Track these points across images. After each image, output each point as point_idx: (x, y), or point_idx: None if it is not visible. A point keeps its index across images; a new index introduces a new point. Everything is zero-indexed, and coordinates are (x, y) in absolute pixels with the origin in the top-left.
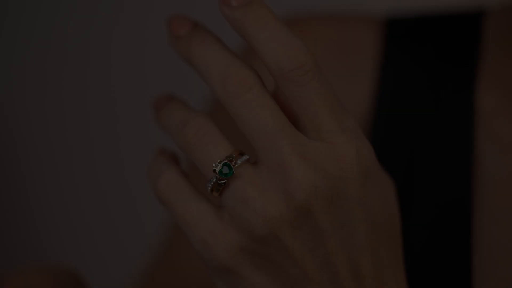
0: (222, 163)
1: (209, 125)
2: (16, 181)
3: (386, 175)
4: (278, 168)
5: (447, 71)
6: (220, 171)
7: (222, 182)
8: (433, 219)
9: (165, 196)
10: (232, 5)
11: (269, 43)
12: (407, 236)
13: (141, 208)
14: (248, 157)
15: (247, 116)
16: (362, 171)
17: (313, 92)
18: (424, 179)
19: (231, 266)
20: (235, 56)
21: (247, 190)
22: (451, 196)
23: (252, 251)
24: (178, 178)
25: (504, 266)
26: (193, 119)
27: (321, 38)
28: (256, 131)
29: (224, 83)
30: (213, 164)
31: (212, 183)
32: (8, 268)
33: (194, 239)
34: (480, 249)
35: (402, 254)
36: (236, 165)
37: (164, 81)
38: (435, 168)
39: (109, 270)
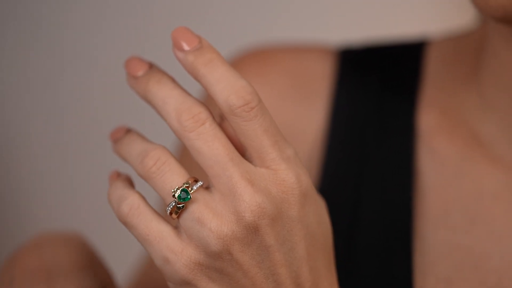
0: (180, 189)
1: (167, 155)
2: (14, 181)
3: (320, 196)
4: (229, 192)
5: (392, 96)
6: (179, 196)
7: (181, 205)
8: (379, 225)
9: (129, 219)
10: (185, 50)
11: (219, 83)
12: (356, 240)
13: None
14: (202, 183)
15: (201, 147)
16: (301, 194)
17: (258, 126)
18: (371, 190)
19: (190, 279)
20: (188, 94)
21: (203, 212)
22: (395, 203)
23: (208, 265)
24: (139, 202)
25: (441, 265)
26: (152, 150)
27: (280, 67)
28: (209, 160)
29: (179, 118)
30: (172, 190)
31: (172, 206)
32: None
33: (157, 257)
34: (420, 250)
35: (334, 264)
36: (192, 191)
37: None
38: (381, 181)
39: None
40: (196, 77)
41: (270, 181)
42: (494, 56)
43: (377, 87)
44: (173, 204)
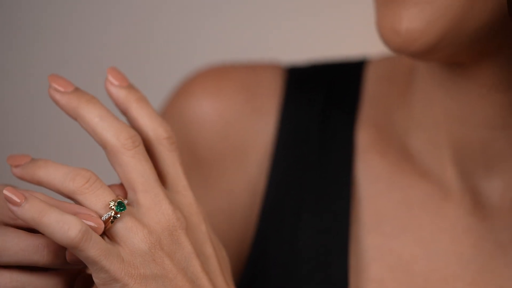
0: (117, 201)
1: (95, 175)
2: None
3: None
4: (155, 206)
5: (335, 112)
6: (117, 207)
7: (117, 216)
8: (320, 229)
9: (82, 244)
10: (114, 85)
11: (149, 117)
12: (298, 242)
13: None
14: (127, 200)
15: (136, 165)
16: (204, 215)
17: (176, 157)
18: (313, 197)
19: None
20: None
21: (134, 223)
22: (334, 209)
23: (136, 267)
24: (86, 227)
25: (373, 267)
26: (82, 170)
27: (234, 83)
28: (141, 177)
29: (119, 135)
30: (110, 202)
31: (108, 216)
32: None
33: (103, 270)
34: (355, 253)
35: (231, 274)
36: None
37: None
38: (322, 190)
39: None
40: (126, 109)
41: (182, 203)
42: (422, 76)
43: (321, 104)
44: (111, 214)
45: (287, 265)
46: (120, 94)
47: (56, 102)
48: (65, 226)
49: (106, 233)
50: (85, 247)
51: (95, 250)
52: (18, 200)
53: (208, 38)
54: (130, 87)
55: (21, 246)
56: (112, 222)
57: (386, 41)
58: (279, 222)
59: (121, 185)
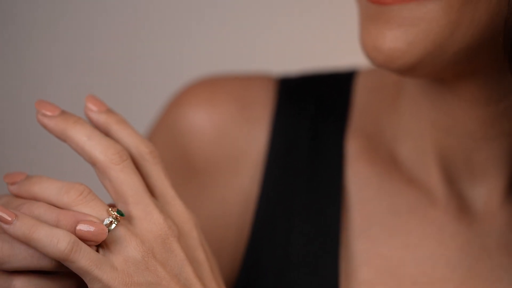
0: (116, 210)
1: (88, 189)
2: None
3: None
4: (146, 216)
5: (325, 122)
6: (118, 211)
7: (111, 226)
8: (311, 233)
9: (72, 255)
10: (94, 111)
11: (130, 137)
12: (290, 247)
13: None
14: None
15: (125, 178)
16: (195, 224)
17: (161, 169)
18: (305, 203)
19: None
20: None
21: (127, 233)
22: (325, 215)
23: (131, 275)
24: (75, 239)
25: (363, 270)
26: (75, 184)
27: (227, 94)
28: (131, 190)
29: (106, 152)
30: (110, 209)
31: (108, 221)
32: None
33: (97, 279)
34: (345, 257)
35: (223, 281)
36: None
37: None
38: (313, 196)
39: None
40: (108, 132)
41: (172, 212)
42: (409, 86)
43: (312, 113)
44: (111, 219)
45: (280, 270)
46: (100, 118)
47: (45, 126)
48: (54, 240)
49: (100, 244)
50: (75, 258)
51: (85, 260)
52: (9, 219)
53: (207, 39)
54: (109, 111)
55: (28, 252)
56: (109, 230)
57: (369, 57)
58: (272, 228)
59: (111, 204)
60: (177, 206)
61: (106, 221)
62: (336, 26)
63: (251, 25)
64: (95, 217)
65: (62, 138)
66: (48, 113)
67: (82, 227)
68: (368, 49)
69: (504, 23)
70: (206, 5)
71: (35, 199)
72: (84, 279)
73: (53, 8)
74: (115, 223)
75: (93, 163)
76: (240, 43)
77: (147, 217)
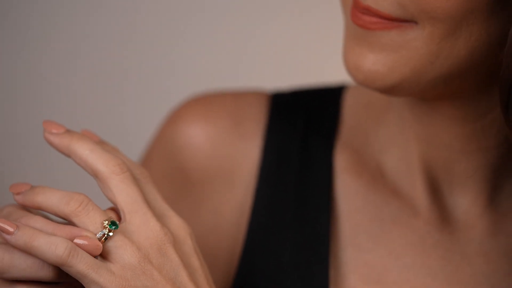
0: (110, 221)
1: (88, 198)
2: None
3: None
4: (143, 224)
5: (315, 136)
6: (110, 226)
7: (111, 233)
8: (302, 242)
9: (69, 260)
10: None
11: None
12: (283, 255)
13: None
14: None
15: (125, 188)
16: (190, 233)
17: (153, 186)
18: (296, 213)
19: None
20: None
21: (124, 240)
22: (315, 225)
23: (127, 279)
24: (72, 245)
25: (350, 278)
26: (76, 194)
27: (221, 110)
28: (130, 199)
29: (108, 164)
30: (104, 221)
31: (99, 236)
32: None
33: (94, 283)
34: (334, 265)
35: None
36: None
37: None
38: (304, 207)
39: None
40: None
41: (168, 222)
42: (396, 101)
43: (301, 128)
44: (105, 232)
45: (273, 279)
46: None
47: (51, 143)
48: (53, 246)
49: None
50: (72, 262)
51: (82, 264)
52: (11, 229)
53: (206, 41)
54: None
55: (28, 263)
56: (105, 239)
57: (349, 74)
58: (265, 239)
59: (113, 208)
60: (172, 217)
61: (99, 235)
62: (332, 33)
63: (247, 36)
64: (90, 231)
65: (67, 153)
66: (54, 131)
67: (77, 242)
68: (349, 67)
69: (501, 73)
70: (204, 10)
71: (39, 208)
72: (82, 282)
73: (52, 12)
74: (110, 234)
75: (95, 175)
76: (235, 55)
77: (144, 224)
